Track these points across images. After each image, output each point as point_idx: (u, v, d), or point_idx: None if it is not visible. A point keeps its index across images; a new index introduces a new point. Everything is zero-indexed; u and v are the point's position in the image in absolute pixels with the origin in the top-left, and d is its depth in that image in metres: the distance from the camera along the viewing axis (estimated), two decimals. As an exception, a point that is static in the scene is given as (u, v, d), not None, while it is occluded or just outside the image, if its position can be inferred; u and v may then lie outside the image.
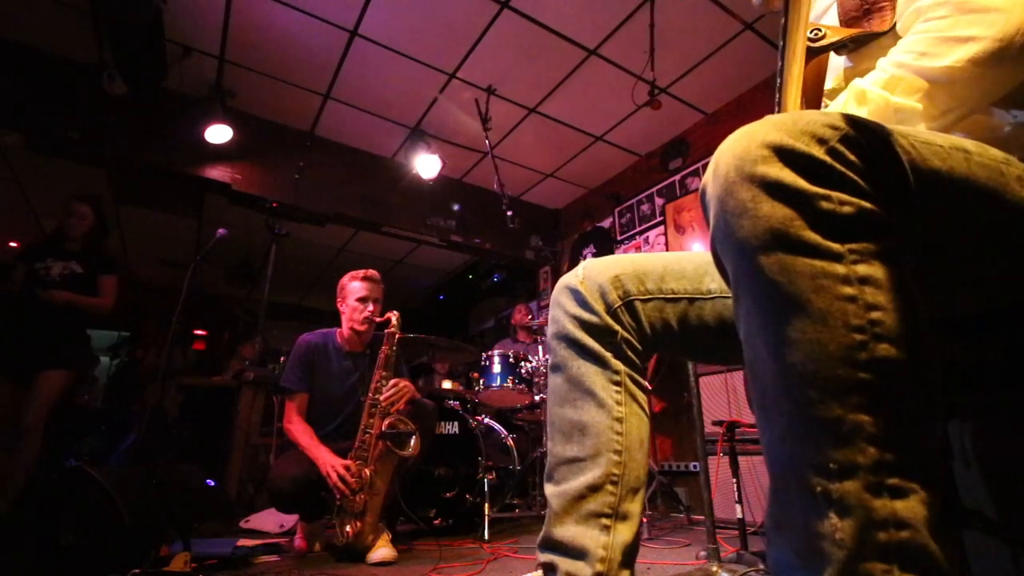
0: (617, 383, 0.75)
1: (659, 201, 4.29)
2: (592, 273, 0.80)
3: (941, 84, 0.59)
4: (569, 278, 0.81)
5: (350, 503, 1.87)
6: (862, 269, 0.39)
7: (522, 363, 3.00)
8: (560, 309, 0.80)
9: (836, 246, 0.39)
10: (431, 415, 2.19)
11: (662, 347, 0.81)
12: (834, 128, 0.42)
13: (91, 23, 3.07)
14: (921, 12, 0.64)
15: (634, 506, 0.71)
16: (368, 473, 1.90)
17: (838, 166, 0.40)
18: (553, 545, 0.69)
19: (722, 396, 2.54)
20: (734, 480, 1.83)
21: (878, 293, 0.39)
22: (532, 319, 3.77)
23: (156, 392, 4.09)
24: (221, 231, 2.42)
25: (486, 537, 2.24)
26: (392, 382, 2.06)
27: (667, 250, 4.13)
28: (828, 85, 0.81)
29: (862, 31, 0.73)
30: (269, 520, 2.66)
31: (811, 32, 0.71)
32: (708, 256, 0.79)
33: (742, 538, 1.77)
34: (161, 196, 4.90)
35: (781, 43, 0.59)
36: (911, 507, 0.36)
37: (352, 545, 1.85)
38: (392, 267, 6.57)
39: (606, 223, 4.79)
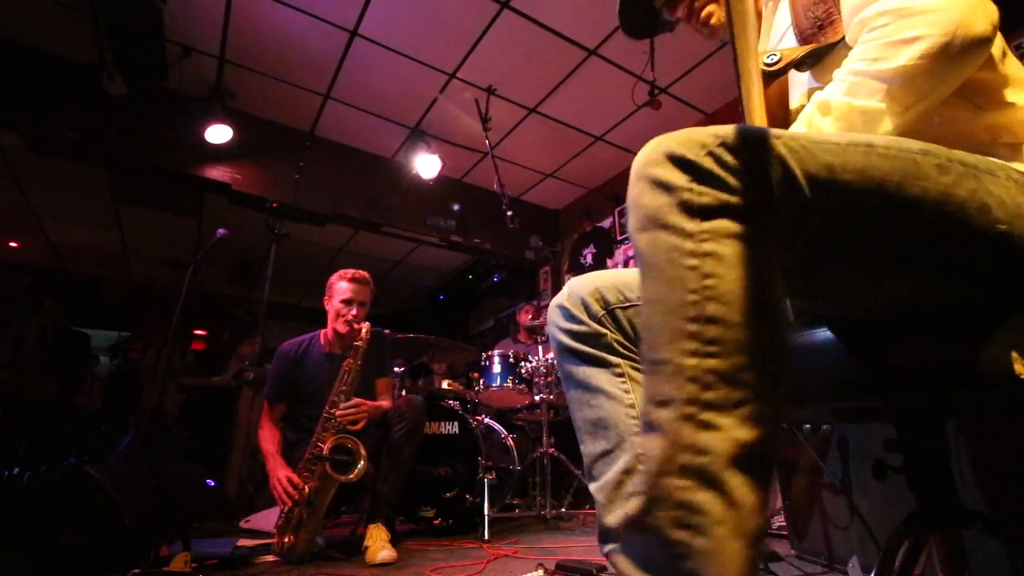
0: (620, 375, 0.82)
1: (659, 201, 4.28)
2: (575, 289, 0.89)
3: (899, 83, 0.62)
4: (557, 298, 0.91)
5: (290, 515, 1.88)
6: (708, 246, 0.47)
7: (522, 363, 3.00)
8: (554, 327, 0.90)
9: (690, 226, 0.47)
10: (420, 413, 2.17)
11: None
12: (716, 136, 0.49)
13: (91, 23, 3.07)
14: (865, 23, 0.67)
15: None
16: (308, 490, 1.89)
17: (707, 165, 0.48)
18: (607, 534, 0.75)
19: (722, 396, 2.54)
20: (734, 480, 1.82)
21: (717, 265, 0.46)
22: (533, 320, 3.77)
23: (156, 392, 4.10)
24: (221, 231, 2.41)
25: (486, 537, 2.24)
26: (353, 400, 2.03)
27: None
28: (794, 104, 0.85)
29: (816, 45, 0.77)
30: (269, 520, 2.65)
31: (767, 58, 0.78)
32: None
33: (742, 538, 1.77)
34: (161, 196, 4.90)
35: (735, 73, 0.64)
36: (715, 439, 0.42)
37: (285, 555, 1.85)
38: (392, 267, 6.57)
39: (606, 223, 4.79)
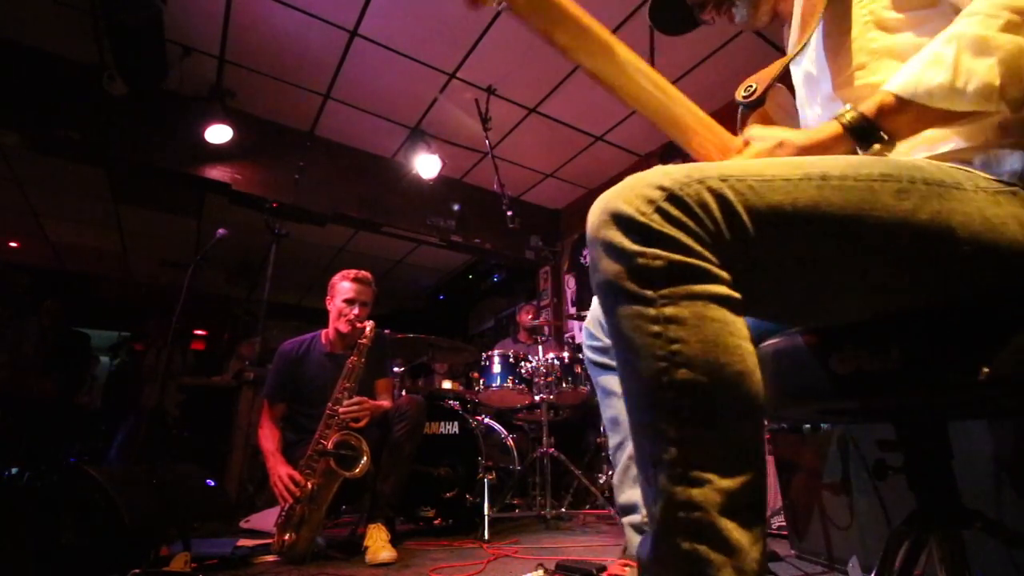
0: None
1: (659, 201, 4.28)
2: (594, 311, 1.05)
3: None
4: (585, 322, 1.08)
5: (291, 513, 1.88)
6: (668, 311, 0.48)
7: (522, 363, 2.99)
8: (584, 346, 1.07)
9: (649, 293, 0.48)
10: (420, 413, 2.18)
11: None
12: (662, 188, 0.50)
13: (91, 23, 3.07)
14: None
15: None
16: (310, 486, 1.89)
17: (656, 226, 0.49)
18: (622, 510, 0.97)
19: (722, 396, 2.54)
20: (734, 480, 1.82)
21: (680, 329, 0.47)
22: (533, 320, 3.77)
23: (156, 392, 4.10)
24: (221, 231, 2.42)
25: (486, 537, 2.24)
26: (356, 399, 2.04)
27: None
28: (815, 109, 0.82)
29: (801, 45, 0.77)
30: (269, 520, 2.65)
31: (743, 91, 0.80)
32: None
33: (742, 538, 1.77)
34: (161, 196, 4.90)
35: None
36: (704, 494, 0.45)
37: (285, 553, 1.85)
38: (392, 267, 6.56)
39: (606, 223, 4.78)
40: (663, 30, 1.06)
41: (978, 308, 0.55)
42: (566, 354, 2.99)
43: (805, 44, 0.80)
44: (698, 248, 0.49)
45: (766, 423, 2.15)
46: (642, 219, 0.49)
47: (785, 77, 0.83)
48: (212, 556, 1.79)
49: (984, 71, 0.56)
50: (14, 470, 3.78)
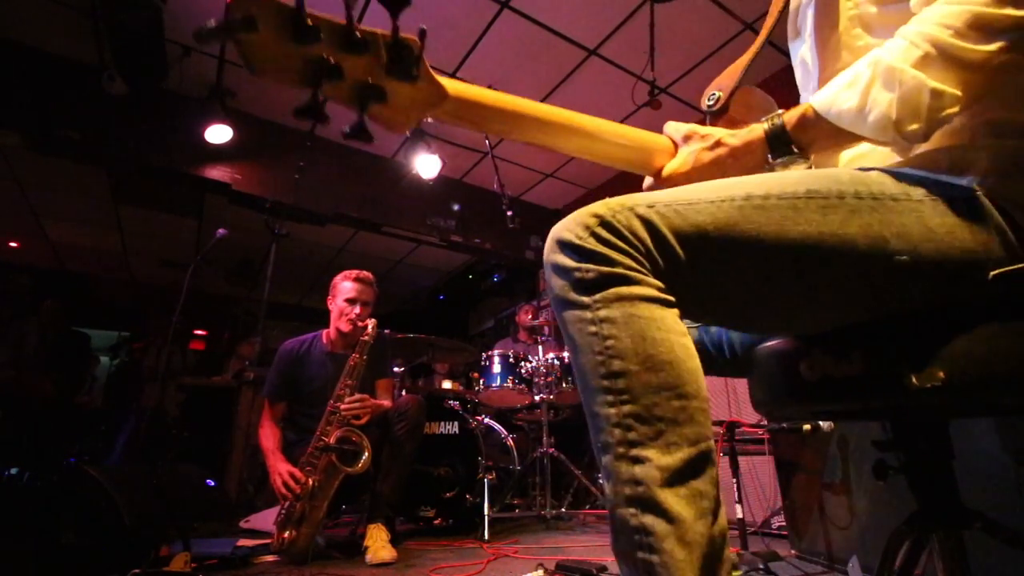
0: None
1: (659, 201, 4.29)
2: None
3: (972, 71, 0.54)
4: None
5: (291, 510, 1.88)
6: (602, 312, 0.55)
7: (522, 363, 2.99)
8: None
9: (587, 299, 0.56)
10: (420, 412, 2.18)
11: None
12: (596, 215, 0.57)
13: (91, 23, 3.07)
14: None
15: None
16: (311, 483, 1.89)
17: (590, 246, 0.56)
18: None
19: (722, 396, 2.54)
20: (734, 480, 1.83)
21: (612, 327, 0.54)
22: (533, 319, 3.77)
23: (156, 392, 4.10)
24: (221, 231, 2.42)
25: (486, 537, 2.24)
26: (357, 396, 2.04)
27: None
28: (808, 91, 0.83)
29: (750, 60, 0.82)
30: (269, 520, 2.65)
31: (707, 99, 0.85)
32: None
33: (742, 538, 1.77)
34: (161, 196, 4.90)
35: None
36: (645, 471, 0.50)
37: (285, 551, 1.85)
38: (392, 267, 6.56)
39: (606, 223, 4.79)
40: None
41: (934, 313, 0.56)
42: (566, 354, 2.99)
43: (801, 39, 0.83)
44: (627, 261, 0.56)
45: (765, 422, 2.15)
46: (579, 242, 0.57)
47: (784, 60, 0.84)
48: (212, 556, 1.79)
49: (885, 104, 0.57)
50: (14, 470, 3.78)
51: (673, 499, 0.49)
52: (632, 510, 0.50)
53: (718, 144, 0.71)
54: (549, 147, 0.76)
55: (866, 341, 0.59)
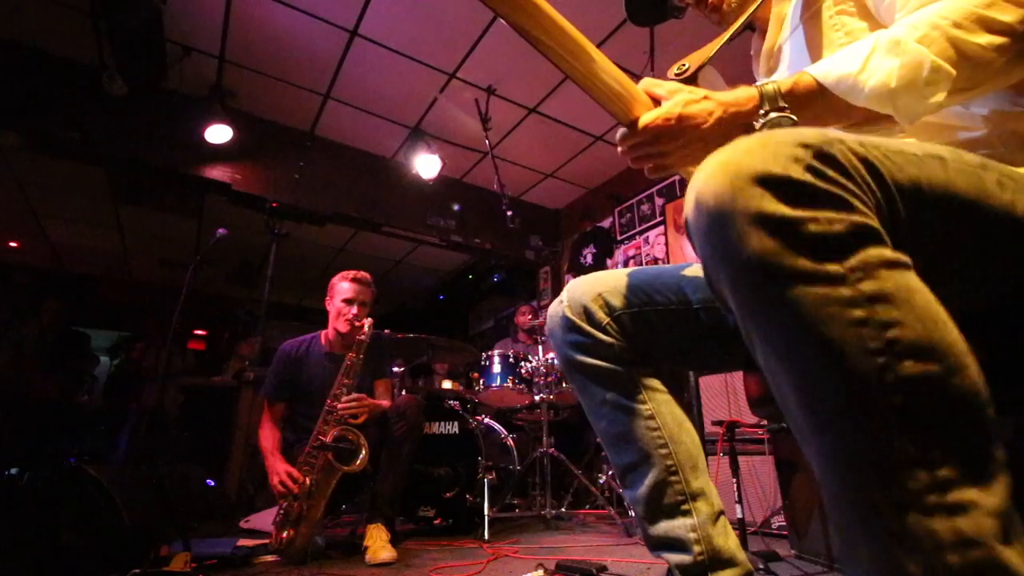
0: (635, 386, 0.81)
1: (659, 201, 4.29)
2: (575, 295, 0.85)
3: (966, 60, 0.56)
4: (554, 307, 0.87)
5: (289, 509, 1.88)
6: (868, 286, 0.37)
7: (522, 363, 2.99)
8: (556, 339, 0.86)
9: (835, 267, 0.38)
10: (419, 412, 2.18)
11: (657, 356, 0.85)
12: (806, 146, 0.40)
13: (91, 23, 3.07)
14: None
15: (700, 479, 0.80)
16: (309, 482, 1.89)
17: (819, 182, 0.39)
18: (656, 543, 0.80)
19: (722, 396, 2.54)
20: (734, 480, 1.83)
21: (891, 308, 0.37)
22: (533, 320, 3.77)
23: (156, 392, 4.10)
24: (221, 231, 2.41)
25: (486, 537, 2.24)
26: (354, 395, 2.04)
27: (667, 250, 4.14)
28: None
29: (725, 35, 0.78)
30: (269, 520, 2.65)
31: (676, 68, 0.81)
32: (685, 268, 0.84)
33: (742, 538, 1.77)
34: (161, 196, 4.90)
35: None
36: (975, 521, 0.34)
37: (283, 551, 1.85)
38: (392, 267, 6.56)
39: (606, 223, 4.79)
40: (635, 19, 1.08)
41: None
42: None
43: (777, 46, 0.85)
44: (868, 211, 0.40)
45: (765, 422, 2.15)
46: (799, 176, 0.39)
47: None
48: (212, 556, 1.79)
49: (885, 71, 0.56)
50: (14, 470, 3.79)
51: (1013, 555, 0.34)
52: None
53: (706, 98, 0.66)
54: (544, 43, 0.70)
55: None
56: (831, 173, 0.40)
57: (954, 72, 0.55)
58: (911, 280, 0.39)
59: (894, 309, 0.37)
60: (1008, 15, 0.55)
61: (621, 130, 0.72)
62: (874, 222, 0.40)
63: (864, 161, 0.43)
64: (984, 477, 0.36)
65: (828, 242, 0.38)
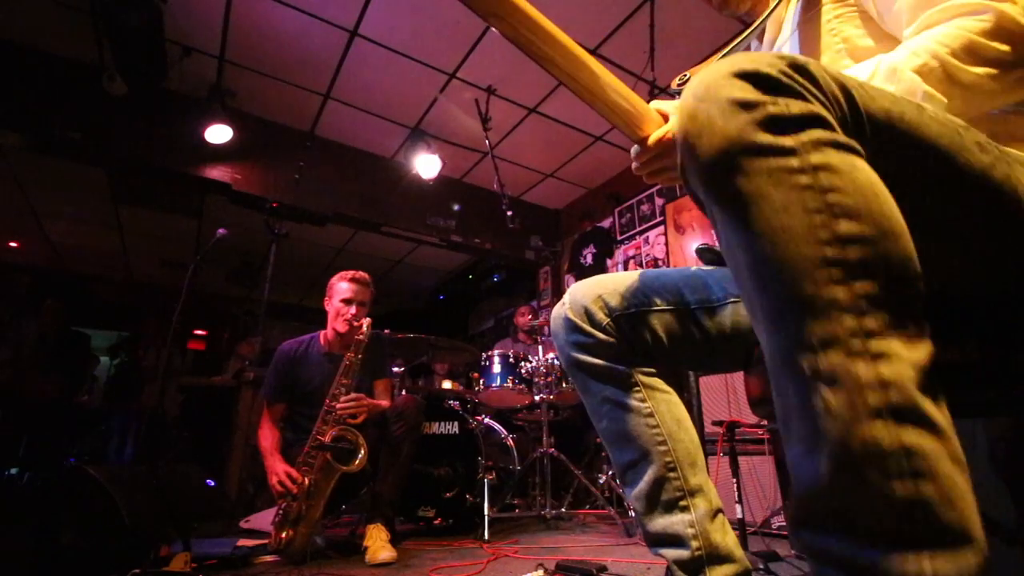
0: (634, 384, 0.84)
1: (659, 201, 4.29)
2: (577, 297, 0.89)
3: (962, 88, 0.59)
4: (557, 309, 0.91)
5: (288, 509, 1.88)
6: (815, 158, 0.42)
7: (522, 363, 2.99)
8: (559, 340, 0.90)
9: (788, 140, 0.42)
10: (418, 412, 2.18)
11: (657, 357, 0.87)
12: (784, 59, 0.45)
13: (91, 23, 3.07)
14: None
15: (698, 476, 0.82)
16: (308, 482, 1.89)
17: (787, 80, 0.44)
18: (654, 539, 0.82)
19: (722, 396, 2.54)
20: (734, 480, 1.83)
21: (832, 176, 0.41)
22: (532, 320, 3.77)
23: (156, 392, 4.10)
24: (221, 231, 2.41)
25: (486, 537, 2.24)
26: (353, 395, 2.04)
27: (667, 250, 4.14)
28: None
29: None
30: (269, 520, 2.65)
31: (678, 80, 0.82)
32: (685, 271, 0.88)
33: (742, 538, 1.77)
34: (161, 196, 4.90)
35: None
36: (894, 369, 0.38)
37: (282, 551, 1.84)
38: (392, 267, 6.57)
39: (606, 223, 4.79)
40: None
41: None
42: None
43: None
44: (825, 110, 0.44)
45: (766, 423, 2.15)
46: (770, 71, 0.44)
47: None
48: (212, 556, 1.79)
49: None
50: (14, 470, 3.79)
51: (932, 406, 0.38)
52: (883, 424, 0.37)
53: None
54: (557, 67, 0.71)
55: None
56: (800, 78, 0.44)
57: (945, 100, 0.59)
58: (856, 161, 0.43)
59: (836, 178, 0.41)
60: (1005, 44, 0.58)
61: (634, 147, 0.78)
62: (831, 117, 0.44)
63: (837, 82, 0.47)
64: (908, 334, 0.39)
65: (786, 121, 0.43)
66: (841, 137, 0.43)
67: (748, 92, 0.43)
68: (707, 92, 0.45)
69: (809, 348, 0.40)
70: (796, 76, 0.44)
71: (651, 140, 0.74)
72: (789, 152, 0.42)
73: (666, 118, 0.75)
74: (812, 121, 0.43)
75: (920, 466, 0.36)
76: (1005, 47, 0.58)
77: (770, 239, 0.42)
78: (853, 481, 0.37)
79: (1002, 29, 0.58)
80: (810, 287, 0.40)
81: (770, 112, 0.43)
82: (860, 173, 0.42)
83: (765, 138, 0.42)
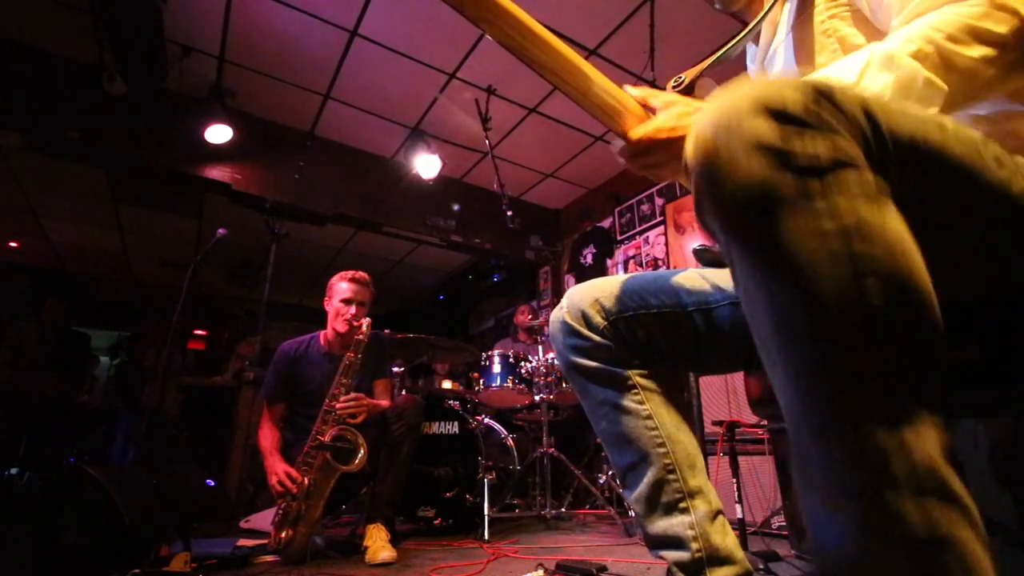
0: (632, 387, 0.84)
1: (659, 201, 4.29)
2: (574, 301, 0.89)
3: (959, 74, 0.58)
4: (555, 312, 0.91)
5: (288, 509, 1.88)
6: (843, 204, 0.40)
7: (522, 363, 2.99)
8: (558, 344, 0.90)
9: (815, 185, 0.40)
10: (418, 412, 2.18)
11: (655, 359, 0.87)
12: (813, 87, 0.43)
13: (91, 23, 3.07)
14: None
15: (698, 478, 0.82)
16: (307, 482, 1.89)
17: (813, 115, 0.42)
18: (655, 542, 0.82)
19: (722, 396, 2.54)
20: (734, 480, 1.83)
21: (861, 228, 0.39)
22: (532, 320, 3.77)
23: (156, 392, 4.10)
24: (221, 231, 2.42)
25: (486, 537, 2.24)
26: (352, 395, 2.04)
27: (667, 250, 4.14)
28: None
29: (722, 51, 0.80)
30: (269, 520, 2.65)
31: (673, 82, 0.82)
32: (682, 272, 0.88)
33: (742, 538, 1.77)
34: (161, 196, 4.90)
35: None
36: (923, 443, 0.37)
37: (282, 551, 1.84)
38: (392, 267, 6.56)
39: (606, 223, 4.79)
40: None
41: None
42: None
43: (771, 47, 0.86)
44: (853, 145, 0.42)
45: (766, 423, 2.15)
46: (797, 109, 0.41)
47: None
48: (212, 556, 1.79)
49: (880, 85, 0.58)
50: (14, 470, 3.78)
51: (953, 474, 0.36)
52: (917, 502, 0.35)
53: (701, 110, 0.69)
54: (548, 70, 0.70)
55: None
56: (825, 108, 0.42)
57: (946, 87, 0.57)
58: (886, 211, 0.41)
59: (865, 230, 0.39)
60: (1001, 26, 0.56)
61: (620, 143, 0.74)
62: (858, 151, 0.42)
63: (862, 106, 0.45)
64: (932, 398, 0.38)
65: (812, 162, 0.40)
66: (869, 177, 0.41)
67: (773, 132, 0.41)
68: (729, 127, 0.42)
69: (833, 413, 0.39)
70: (822, 107, 0.42)
71: (633, 137, 0.70)
72: (816, 198, 0.40)
73: (646, 108, 0.72)
74: (839, 164, 0.41)
75: (953, 558, 0.35)
76: (1001, 28, 0.57)
77: (796, 295, 0.40)
78: (879, 554, 0.37)
79: (994, 12, 0.57)
80: (833, 352, 0.39)
81: (796, 153, 0.40)
82: (889, 227, 0.40)
83: (791, 184, 0.40)
